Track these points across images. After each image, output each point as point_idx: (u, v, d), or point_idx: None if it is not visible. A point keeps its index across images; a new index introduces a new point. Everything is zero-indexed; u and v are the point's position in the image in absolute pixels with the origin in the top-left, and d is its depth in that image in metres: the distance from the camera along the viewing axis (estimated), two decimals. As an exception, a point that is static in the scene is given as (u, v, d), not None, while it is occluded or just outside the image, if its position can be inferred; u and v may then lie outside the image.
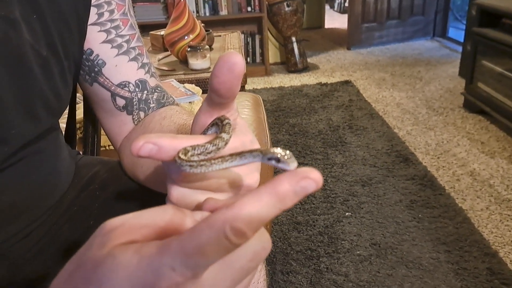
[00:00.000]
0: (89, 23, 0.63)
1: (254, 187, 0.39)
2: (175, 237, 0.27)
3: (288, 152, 0.30)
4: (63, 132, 0.90)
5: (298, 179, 0.27)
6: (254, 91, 3.57)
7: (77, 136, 0.97)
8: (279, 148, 0.30)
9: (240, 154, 0.32)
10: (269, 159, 0.30)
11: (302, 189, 0.27)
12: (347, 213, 1.93)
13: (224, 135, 0.34)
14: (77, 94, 0.94)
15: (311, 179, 0.27)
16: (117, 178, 0.73)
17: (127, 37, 0.67)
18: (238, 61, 0.32)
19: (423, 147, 2.50)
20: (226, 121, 0.35)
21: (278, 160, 0.29)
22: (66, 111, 0.90)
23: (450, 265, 1.60)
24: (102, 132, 0.96)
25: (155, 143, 0.32)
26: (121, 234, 0.28)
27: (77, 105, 0.93)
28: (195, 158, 0.33)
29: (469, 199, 2.00)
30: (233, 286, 0.29)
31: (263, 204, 0.27)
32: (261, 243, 0.29)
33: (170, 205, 0.32)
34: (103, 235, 0.28)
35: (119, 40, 0.66)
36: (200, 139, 0.34)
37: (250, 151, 0.32)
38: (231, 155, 0.33)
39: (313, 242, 1.77)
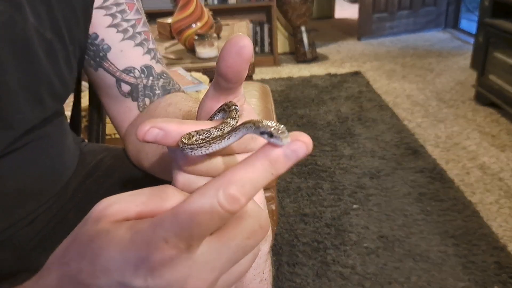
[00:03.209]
0: (94, 6, 0.63)
1: None
2: (168, 210, 0.27)
3: (281, 126, 0.29)
4: (68, 120, 0.89)
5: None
6: (262, 81, 3.55)
7: (83, 124, 0.97)
8: (272, 122, 0.29)
9: (235, 129, 0.32)
10: (262, 133, 0.29)
11: (292, 152, 0.28)
12: (354, 205, 1.92)
13: (230, 120, 0.34)
14: (83, 82, 0.93)
15: (301, 141, 0.28)
16: (122, 165, 0.72)
17: (133, 22, 0.66)
18: (246, 44, 0.31)
19: (433, 140, 2.47)
20: (234, 107, 0.35)
21: (271, 134, 0.28)
22: (72, 99, 0.90)
23: (458, 258, 1.58)
24: (108, 120, 0.96)
25: (161, 128, 0.31)
26: (117, 211, 0.28)
27: (82, 93, 0.92)
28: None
29: (479, 192, 1.97)
30: (229, 266, 0.29)
31: (255, 169, 0.27)
32: (258, 221, 0.29)
33: (169, 185, 0.31)
34: (98, 212, 0.29)
35: (125, 24, 0.65)
36: (206, 125, 0.34)
37: (243, 124, 0.31)
38: (228, 132, 0.32)
39: (320, 234, 1.76)
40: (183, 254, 0.26)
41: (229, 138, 0.32)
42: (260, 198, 0.66)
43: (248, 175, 0.27)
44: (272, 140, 0.28)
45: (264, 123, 0.29)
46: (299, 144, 0.28)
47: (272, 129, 0.28)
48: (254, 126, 0.30)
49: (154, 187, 0.30)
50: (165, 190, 0.30)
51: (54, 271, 0.29)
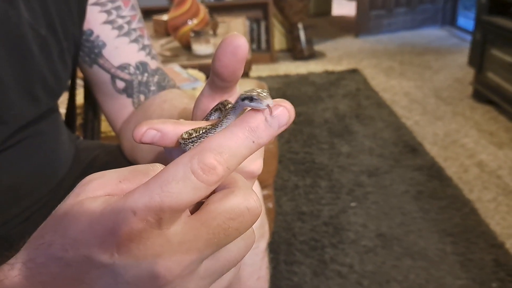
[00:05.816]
0: (89, 3, 0.63)
1: (257, 173, 0.38)
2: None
3: (264, 90, 0.28)
4: (63, 117, 0.89)
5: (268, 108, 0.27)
6: (259, 78, 3.54)
7: (78, 121, 0.96)
8: (257, 89, 0.29)
9: (225, 114, 0.32)
10: (243, 99, 0.28)
11: (273, 118, 0.27)
12: (352, 204, 1.91)
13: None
14: (78, 80, 0.93)
15: (283, 106, 0.27)
16: (117, 162, 0.72)
17: (128, 18, 0.67)
18: (241, 43, 0.31)
19: (431, 137, 2.47)
20: (229, 105, 0.35)
21: (251, 99, 0.27)
22: (66, 96, 0.90)
23: (456, 256, 1.58)
24: (103, 118, 0.95)
25: (158, 129, 0.31)
26: (98, 186, 0.27)
27: (77, 91, 0.92)
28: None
29: (477, 190, 1.97)
30: (210, 249, 0.26)
31: (234, 136, 0.26)
32: (245, 202, 0.26)
33: (158, 163, 0.30)
34: (80, 187, 0.28)
35: (120, 21, 0.66)
36: (203, 125, 0.34)
37: (230, 108, 0.32)
38: (220, 119, 0.32)
39: (317, 232, 1.75)
40: (153, 230, 0.24)
41: (221, 124, 0.32)
42: (256, 190, 0.65)
43: (226, 142, 0.25)
44: (253, 104, 0.27)
45: (246, 92, 0.29)
46: (280, 109, 0.27)
47: (254, 92, 0.28)
48: (239, 100, 0.30)
49: (142, 164, 0.29)
50: (152, 167, 0.28)
51: (31, 244, 0.28)
